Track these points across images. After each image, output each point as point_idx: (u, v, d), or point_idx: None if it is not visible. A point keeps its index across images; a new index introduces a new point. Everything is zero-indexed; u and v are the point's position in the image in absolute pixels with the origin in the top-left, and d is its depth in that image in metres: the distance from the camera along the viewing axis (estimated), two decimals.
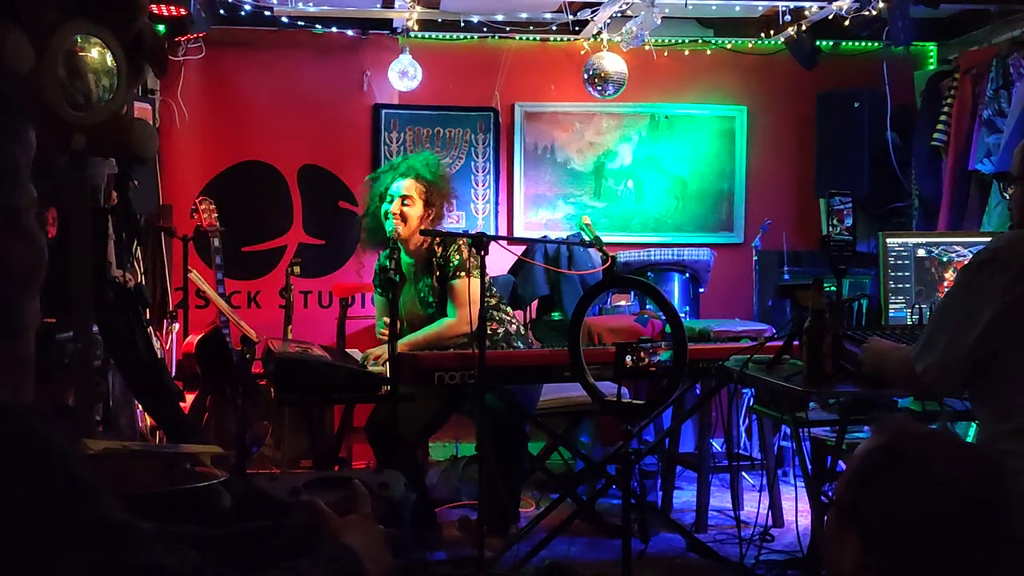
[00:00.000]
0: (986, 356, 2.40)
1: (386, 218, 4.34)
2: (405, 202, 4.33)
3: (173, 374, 5.20)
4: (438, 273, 4.36)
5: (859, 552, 1.42)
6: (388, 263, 4.21)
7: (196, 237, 5.35)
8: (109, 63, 3.14)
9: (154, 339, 4.77)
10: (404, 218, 4.32)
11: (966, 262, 2.60)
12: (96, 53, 3.13)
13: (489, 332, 4.26)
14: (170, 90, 5.72)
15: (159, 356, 4.36)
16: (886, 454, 1.44)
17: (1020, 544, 1.41)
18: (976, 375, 2.47)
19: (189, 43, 5.64)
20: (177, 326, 5.40)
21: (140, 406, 4.36)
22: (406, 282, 4.45)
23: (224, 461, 2.87)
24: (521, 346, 4.42)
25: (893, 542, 1.39)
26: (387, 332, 3.91)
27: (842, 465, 3.77)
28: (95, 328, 3.44)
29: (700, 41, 6.18)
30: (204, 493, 2.39)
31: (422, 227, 4.29)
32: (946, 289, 3.01)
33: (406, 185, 4.36)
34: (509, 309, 4.54)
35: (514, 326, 4.45)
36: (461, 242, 4.29)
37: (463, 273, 4.26)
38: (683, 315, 5.22)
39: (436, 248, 4.36)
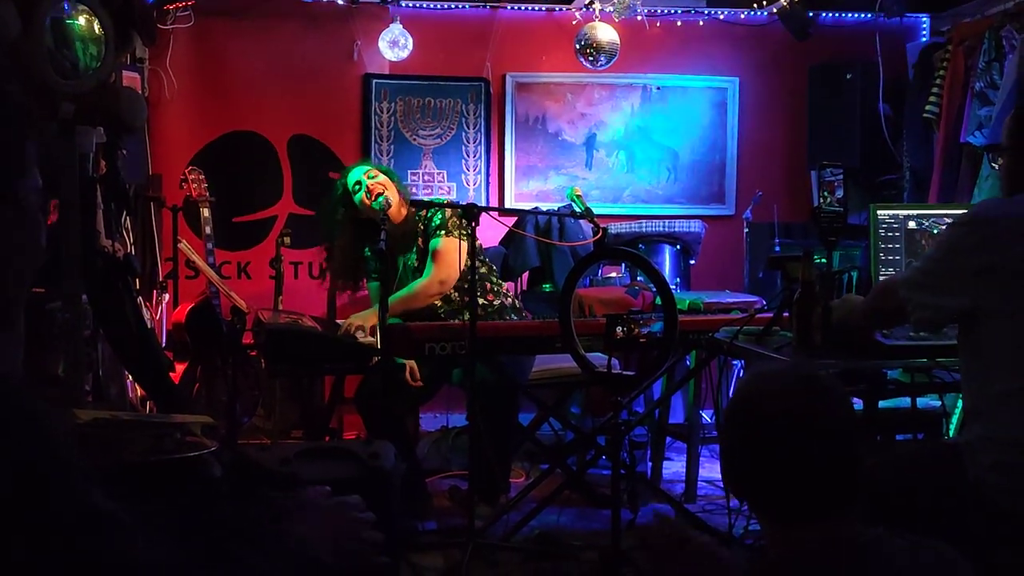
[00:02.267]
0: (965, 317, 2.42)
1: (372, 199, 4.26)
2: (371, 174, 4.31)
3: (163, 344, 5.20)
4: (423, 236, 4.35)
5: (751, 506, 1.65)
6: (377, 240, 4.17)
7: (186, 207, 5.33)
8: (97, 31, 3.11)
9: (144, 309, 4.76)
10: (383, 188, 4.27)
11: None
12: (83, 21, 3.11)
13: (484, 303, 4.26)
14: (159, 59, 5.67)
15: (149, 326, 4.35)
16: (731, 409, 1.65)
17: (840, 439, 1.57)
18: (960, 337, 2.49)
19: (178, 11, 5.59)
20: (167, 296, 5.39)
21: (130, 376, 4.36)
22: (396, 266, 4.43)
23: (214, 431, 2.87)
24: (514, 319, 4.41)
25: (756, 485, 1.60)
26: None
27: None
28: (84, 298, 3.44)
29: (692, 11, 6.14)
30: (194, 463, 2.39)
31: (400, 202, 4.27)
32: None
33: (364, 171, 4.35)
34: (503, 283, 4.53)
35: (509, 299, 4.45)
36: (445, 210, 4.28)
37: (443, 232, 4.23)
38: (674, 287, 5.22)
39: (420, 225, 4.35)
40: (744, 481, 1.63)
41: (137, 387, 4.56)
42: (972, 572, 1.55)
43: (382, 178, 4.32)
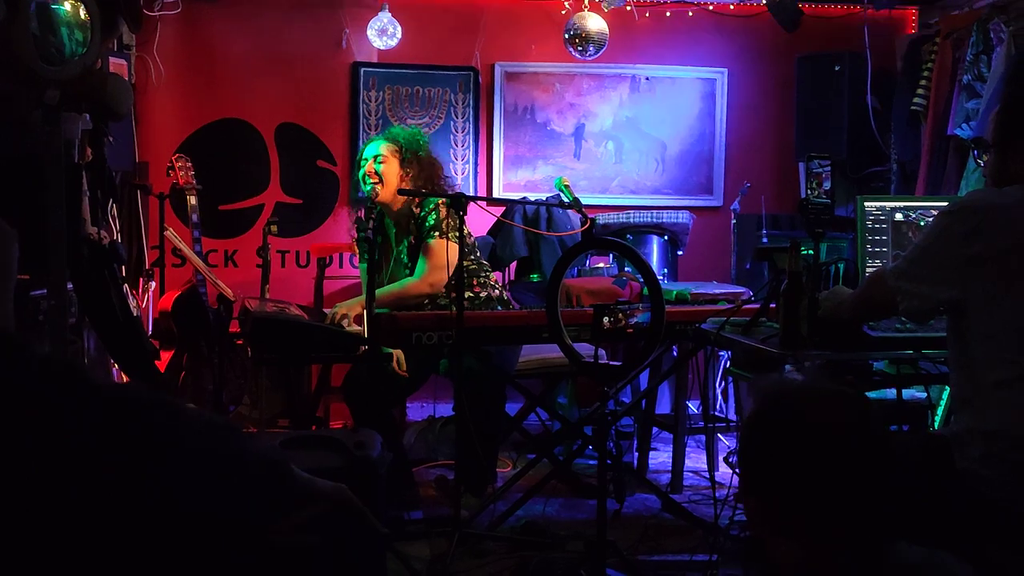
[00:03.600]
0: (954, 307, 2.43)
1: (363, 181, 4.31)
2: (379, 160, 4.30)
3: (149, 332, 5.19)
4: (416, 232, 4.34)
5: (766, 514, 1.52)
6: (367, 224, 4.20)
7: (172, 195, 5.30)
8: (82, 16, 3.09)
9: (130, 297, 4.74)
10: (381, 178, 4.28)
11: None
12: (69, 6, 3.08)
13: (471, 295, 4.25)
14: (146, 46, 5.64)
15: (135, 314, 4.33)
16: (764, 417, 1.53)
17: (892, 470, 1.51)
18: (949, 327, 2.50)
19: None
20: (153, 284, 5.37)
21: (116, 364, 4.34)
22: (388, 246, 4.43)
23: None
24: (501, 310, 4.41)
25: (786, 496, 1.49)
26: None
27: None
28: (70, 285, 3.42)
29: (682, 2, 6.14)
30: None
31: (401, 187, 4.25)
32: None
33: (380, 146, 4.34)
34: (492, 275, 4.52)
35: (496, 291, 4.44)
36: (440, 202, 4.27)
37: (437, 233, 4.23)
38: (661, 277, 5.23)
39: (415, 209, 4.34)
40: (775, 491, 1.52)
41: (123, 374, 4.54)
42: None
43: (384, 167, 4.29)
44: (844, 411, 1.51)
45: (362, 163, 4.35)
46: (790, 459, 1.49)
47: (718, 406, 5.44)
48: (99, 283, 3.53)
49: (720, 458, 4.88)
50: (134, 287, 5.28)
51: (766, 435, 1.53)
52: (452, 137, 6.10)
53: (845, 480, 1.47)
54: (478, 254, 4.52)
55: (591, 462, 4.49)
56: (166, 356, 5.01)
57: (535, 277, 5.58)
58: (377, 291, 4.16)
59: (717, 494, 3.86)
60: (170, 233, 4.89)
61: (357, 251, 4.64)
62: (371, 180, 4.27)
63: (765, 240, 5.67)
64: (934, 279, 2.44)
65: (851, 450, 1.48)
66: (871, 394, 3.66)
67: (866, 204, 3.39)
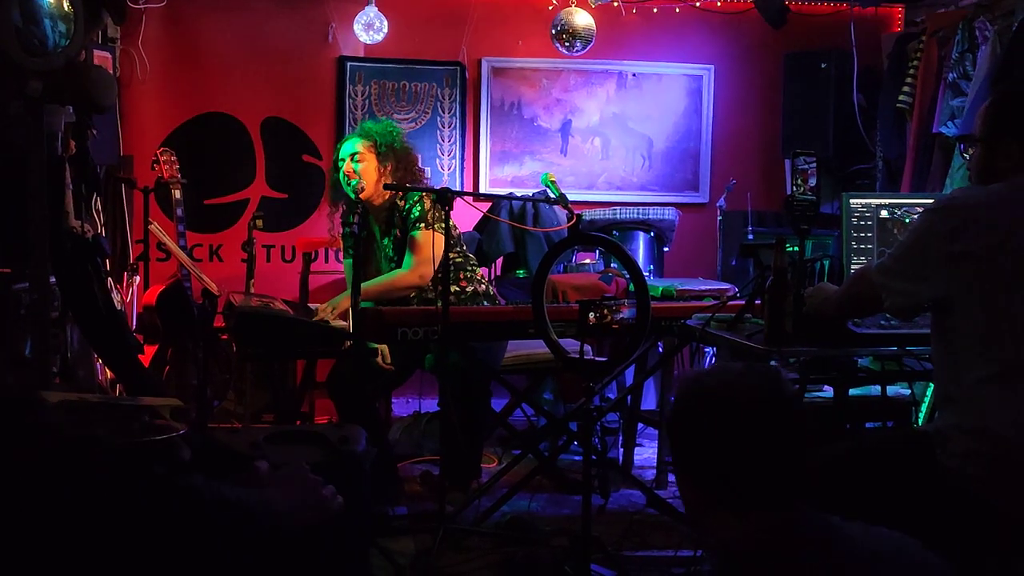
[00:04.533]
0: (938, 304, 2.44)
1: (344, 182, 4.28)
2: (355, 158, 4.29)
3: (133, 327, 5.17)
4: (401, 226, 4.33)
5: (697, 493, 1.65)
6: (352, 219, 4.20)
7: (157, 189, 5.28)
8: (66, 8, 3.07)
9: (114, 291, 4.72)
10: (360, 175, 4.26)
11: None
12: None
13: (457, 289, 4.25)
14: (131, 39, 5.61)
15: (118, 308, 4.32)
16: (685, 402, 1.66)
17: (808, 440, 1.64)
18: (933, 324, 2.50)
19: None
20: (137, 278, 5.34)
21: (99, 359, 4.32)
22: (374, 241, 4.42)
23: (184, 414, 2.85)
24: (487, 306, 4.40)
25: (714, 469, 1.61)
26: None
27: None
28: (52, 279, 3.40)
29: None
30: (163, 446, 2.38)
31: (382, 183, 4.24)
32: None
33: (355, 144, 4.32)
34: (478, 269, 4.52)
35: (483, 286, 4.43)
36: (423, 195, 4.26)
37: (423, 225, 4.22)
38: (647, 274, 5.23)
39: (399, 202, 4.32)
40: (705, 469, 1.63)
41: (106, 369, 4.52)
42: (923, 550, 1.60)
43: (362, 166, 4.28)
44: (759, 386, 1.61)
45: (340, 164, 4.33)
46: (712, 434, 1.60)
47: None
48: (82, 277, 3.51)
49: None
50: (118, 281, 5.26)
51: (690, 416, 1.64)
52: (439, 132, 6.09)
53: (764, 449, 1.58)
54: (464, 247, 4.51)
55: (576, 458, 4.49)
56: (150, 351, 4.99)
57: (521, 273, 5.57)
58: (365, 284, 4.15)
59: None
60: (155, 227, 4.87)
61: (342, 246, 4.62)
62: (352, 179, 4.26)
63: (751, 237, 5.67)
64: (918, 276, 2.45)
65: (768, 421, 1.59)
66: (855, 390, 3.66)
67: (851, 201, 3.39)
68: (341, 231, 4.49)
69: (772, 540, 1.58)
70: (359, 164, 4.28)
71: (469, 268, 4.42)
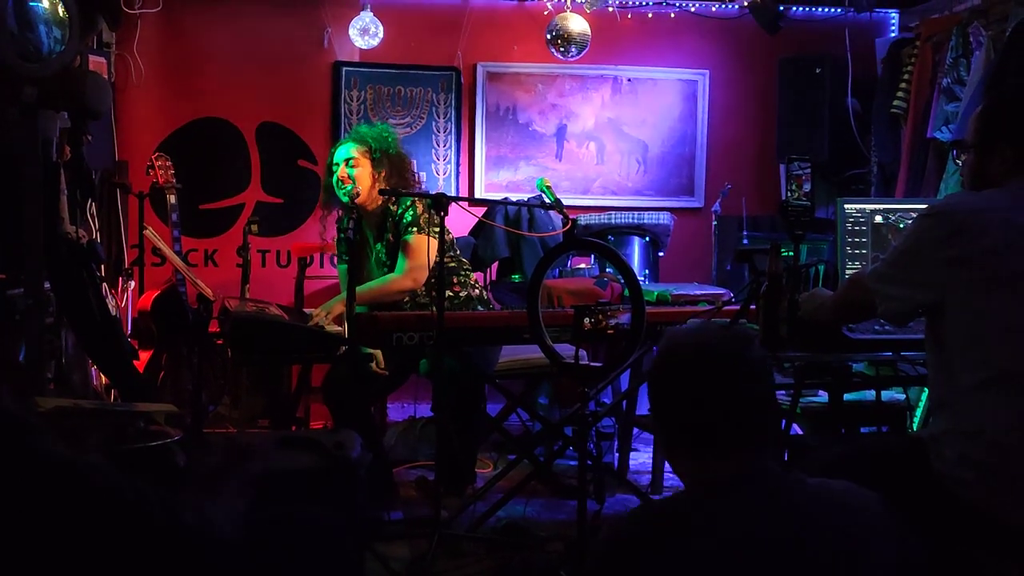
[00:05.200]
0: (932, 309, 2.44)
1: (337, 186, 4.29)
2: (350, 163, 4.29)
3: (128, 332, 5.16)
4: (393, 230, 4.33)
5: (665, 438, 1.80)
6: (346, 224, 4.21)
7: (152, 194, 5.27)
8: (61, 14, 3.07)
9: (109, 297, 4.72)
10: (355, 181, 4.26)
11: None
12: (48, 3, 3.06)
13: (451, 295, 4.24)
14: (126, 44, 5.61)
15: (113, 314, 4.31)
16: (660, 357, 1.81)
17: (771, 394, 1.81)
18: (927, 329, 2.50)
19: None
20: (133, 284, 5.34)
21: (94, 364, 4.32)
22: (367, 246, 4.42)
23: (178, 420, 2.84)
24: (481, 311, 4.40)
25: (679, 420, 1.76)
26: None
27: (796, 428, 3.82)
28: (47, 285, 3.40)
29: (664, 4, 6.15)
30: (157, 452, 2.37)
31: (377, 188, 4.24)
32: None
33: (349, 149, 4.32)
34: (472, 274, 4.52)
35: (476, 291, 4.43)
36: (416, 199, 4.25)
37: (416, 229, 4.22)
38: (642, 279, 5.24)
39: (392, 207, 4.32)
40: (668, 417, 1.79)
41: (101, 375, 4.52)
42: (882, 506, 1.73)
43: (357, 171, 4.28)
44: (727, 347, 1.75)
45: (334, 168, 4.33)
46: (677, 385, 1.76)
47: None
48: (77, 282, 3.50)
49: None
50: (113, 286, 5.25)
51: (660, 368, 1.80)
52: (434, 137, 6.09)
53: (721, 400, 1.72)
54: (458, 252, 4.51)
55: (572, 463, 4.49)
56: (145, 356, 4.99)
57: (516, 278, 5.58)
58: (359, 287, 4.15)
59: None
60: (150, 232, 4.87)
61: (336, 251, 4.62)
62: (346, 184, 4.26)
63: (746, 242, 5.68)
64: (912, 282, 2.45)
65: (729, 374, 1.72)
66: (850, 395, 3.67)
67: (846, 206, 3.40)
68: (335, 236, 4.49)
69: (715, 482, 1.70)
70: (354, 169, 4.28)
71: (463, 273, 4.42)
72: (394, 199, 4.28)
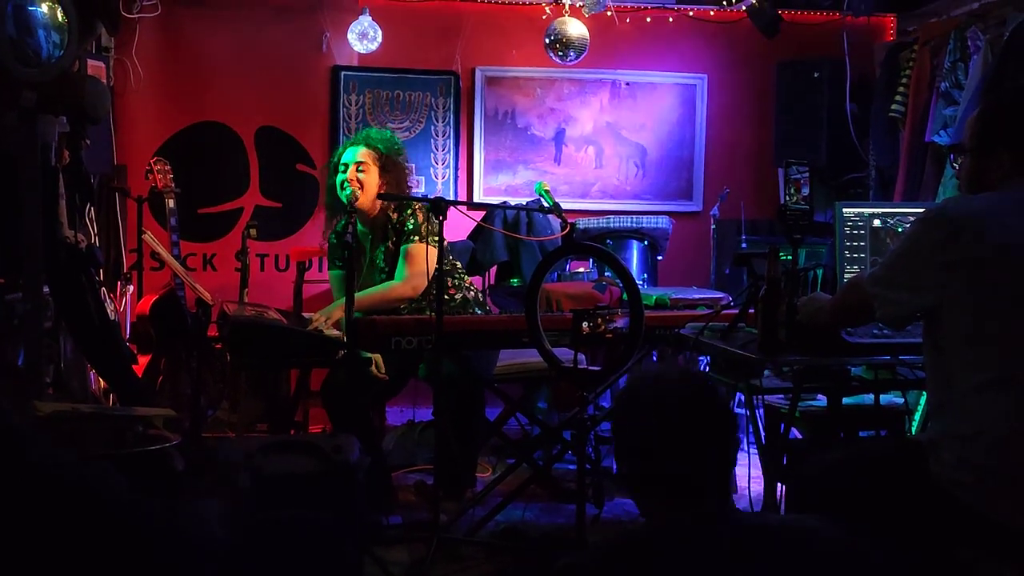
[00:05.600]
0: (930, 313, 2.44)
1: (342, 188, 4.30)
2: (360, 168, 4.30)
3: (127, 336, 5.16)
4: (393, 239, 4.33)
5: (626, 478, 1.83)
6: (344, 230, 4.21)
7: (151, 198, 5.28)
8: (60, 19, 3.08)
9: (107, 301, 4.72)
10: (361, 185, 4.28)
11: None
12: (46, 8, 3.06)
13: (447, 297, 4.25)
14: (125, 48, 5.61)
15: (112, 318, 4.31)
16: (620, 402, 1.85)
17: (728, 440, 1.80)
18: (925, 333, 2.51)
19: (144, 0, 5.53)
20: (131, 288, 5.34)
21: (92, 369, 4.32)
22: (363, 251, 4.42)
23: (177, 424, 2.85)
24: (478, 313, 4.41)
25: (640, 465, 1.79)
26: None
27: (795, 432, 3.82)
28: (46, 289, 3.40)
29: (662, 7, 6.15)
30: (156, 456, 2.38)
31: (379, 193, 4.25)
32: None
33: (360, 152, 4.33)
34: (467, 277, 4.52)
35: (472, 293, 4.44)
36: (417, 206, 4.26)
37: (417, 238, 4.23)
38: (641, 282, 5.24)
39: (392, 214, 4.33)
40: (628, 460, 1.82)
41: (100, 379, 4.51)
42: (842, 544, 1.72)
43: (365, 175, 4.29)
44: (695, 389, 1.78)
45: (340, 168, 4.34)
46: (646, 430, 1.78)
47: None
48: (76, 287, 3.50)
49: None
50: (112, 291, 5.25)
51: (623, 417, 1.84)
52: (432, 141, 6.10)
53: (690, 446, 1.75)
54: (451, 256, 4.51)
55: (570, 467, 4.49)
56: (144, 360, 4.99)
57: (515, 281, 5.58)
58: (358, 294, 4.15)
59: None
60: (148, 236, 4.87)
61: (328, 256, 4.61)
62: (352, 187, 4.26)
63: (744, 245, 5.68)
64: (910, 285, 2.45)
65: (684, 421, 1.75)
66: (849, 399, 3.67)
67: (844, 210, 3.41)
68: (332, 241, 4.49)
69: (675, 523, 1.73)
70: (362, 173, 4.29)
71: (457, 275, 4.42)
72: (394, 205, 4.29)
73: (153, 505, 1.43)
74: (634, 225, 5.54)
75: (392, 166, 4.34)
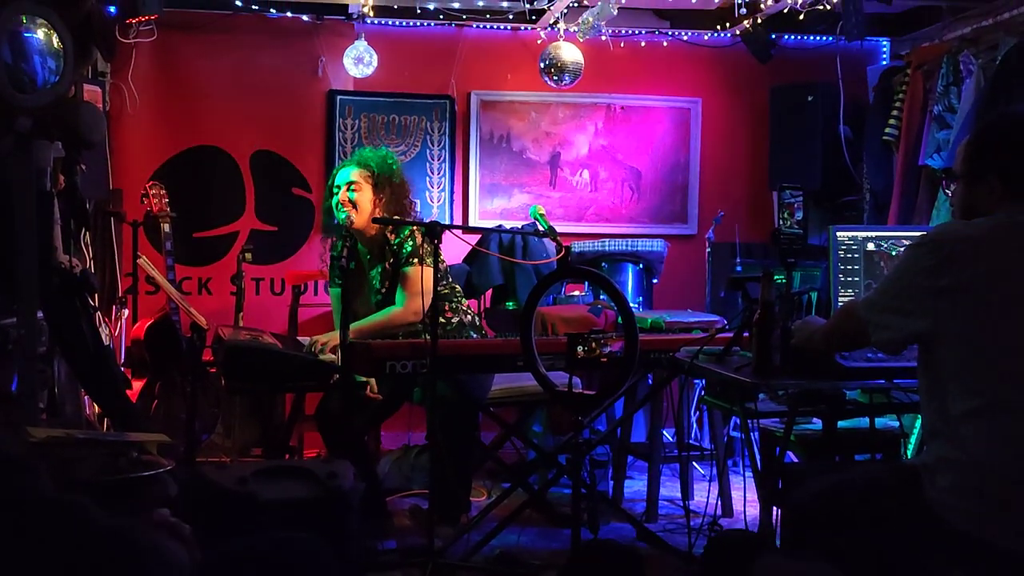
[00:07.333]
0: (924, 338, 2.44)
1: (337, 209, 4.31)
2: (352, 187, 4.30)
3: (122, 361, 5.15)
4: (391, 260, 4.33)
5: None
6: (342, 251, 4.21)
7: (146, 222, 5.28)
8: (56, 44, 3.09)
9: (102, 325, 4.71)
10: (355, 205, 4.28)
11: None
12: (42, 34, 3.08)
13: (443, 321, 4.24)
14: (121, 73, 5.64)
15: (106, 343, 4.30)
16: None
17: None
18: (919, 358, 2.51)
19: (140, 25, 5.53)
20: (126, 312, 5.33)
21: (86, 394, 4.30)
22: (361, 272, 4.42)
23: (171, 449, 2.83)
24: (475, 336, 4.40)
25: None
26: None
27: (790, 456, 3.81)
28: (40, 314, 3.39)
29: (656, 32, 6.19)
30: (149, 482, 2.37)
31: (375, 214, 4.25)
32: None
33: (352, 172, 4.34)
34: (464, 300, 4.52)
35: (469, 317, 4.44)
36: (414, 229, 4.27)
37: (415, 260, 4.23)
38: (636, 306, 5.24)
39: (389, 236, 4.33)
40: None
41: (94, 404, 4.50)
42: None
43: (358, 195, 4.29)
44: None
45: (335, 190, 4.35)
46: None
47: (693, 434, 5.43)
48: (70, 312, 3.50)
49: (694, 486, 4.88)
50: (107, 315, 5.24)
51: None
52: (428, 165, 6.11)
53: None
54: (450, 279, 4.52)
55: (566, 491, 4.47)
56: (138, 385, 4.98)
57: (511, 305, 5.58)
58: (359, 323, 4.16)
59: (692, 523, 3.86)
60: (143, 261, 4.87)
61: (328, 276, 4.62)
62: (345, 208, 4.27)
63: (739, 269, 5.69)
64: (904, 311, 2.46)
65: None
66: (844, 423, 3.67)
67: (838, 234, 3.41)
68: (329, 260, 4.50)
69: None
70: (354, 193, 4.29)
71: (455, 299, 4.42)
72: (391, 227, 4.29)
73: (135, 530, 1.43)
74: (629, 248, 5.54)
75: (386, 183, 4.34)
